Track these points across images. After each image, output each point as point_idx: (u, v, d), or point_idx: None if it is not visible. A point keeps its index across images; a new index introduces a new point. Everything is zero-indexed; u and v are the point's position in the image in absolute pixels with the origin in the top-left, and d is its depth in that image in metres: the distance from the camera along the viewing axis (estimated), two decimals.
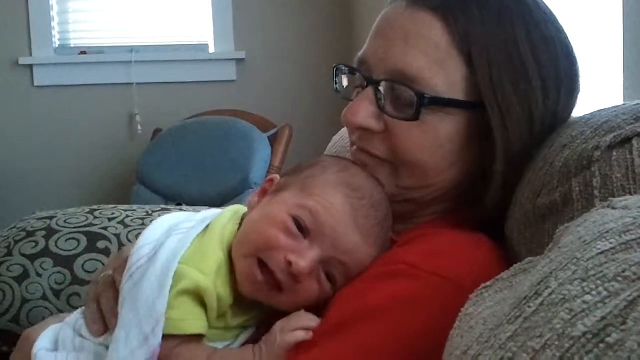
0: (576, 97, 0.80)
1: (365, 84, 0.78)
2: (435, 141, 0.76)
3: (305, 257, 0.70)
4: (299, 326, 0.68)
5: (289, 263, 0.69)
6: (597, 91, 1.38)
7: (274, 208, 0.74)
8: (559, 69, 0.77)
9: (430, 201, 0.80)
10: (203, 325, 0.70)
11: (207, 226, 0.76)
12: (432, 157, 0.76)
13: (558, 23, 0.80)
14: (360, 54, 0.80)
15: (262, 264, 0.71)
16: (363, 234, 0.72)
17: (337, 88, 0.85)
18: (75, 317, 0.77)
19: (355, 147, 0.81)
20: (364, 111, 0.77)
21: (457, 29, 0.73)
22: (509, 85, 0.74)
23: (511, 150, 0.75)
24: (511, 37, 0.74)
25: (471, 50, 0.73)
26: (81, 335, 0.74)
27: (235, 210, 0.80)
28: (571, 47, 0.79)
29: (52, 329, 0.77)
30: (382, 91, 0.76)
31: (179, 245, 0.73)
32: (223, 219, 0.77)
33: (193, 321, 0.69)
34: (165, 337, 0.68)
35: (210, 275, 0.70)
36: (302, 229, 0.71)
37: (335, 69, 0.85)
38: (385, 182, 0.79)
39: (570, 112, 0.80)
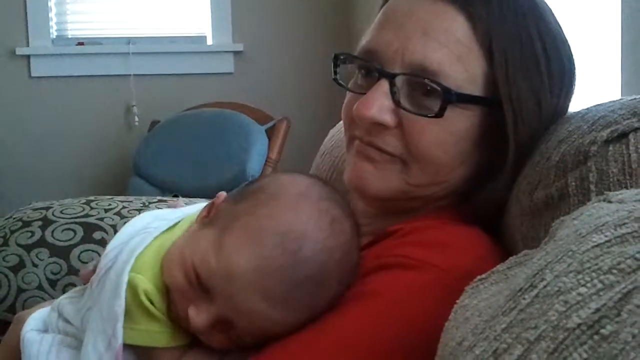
0: (573, 94, 0.81)
1: (377, 76, 0.74)
2: (451, 137, 0.74)
3: (202, 313, 0.65)
4: None
5: (187, 316, 0.66)
6: (595, 86, 1.38)
7: (190, 248, 0.68)
8: (563, 67, 0.77)
9: (437, 198, 0.79)
10: (168, 340, 0.68)
11: (176, 224, 0.74)
12: (447, 153, 0.75)
13: (558, 21, 0.80)
14: (366, 43, 0.76)
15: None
16: (272, 301, 0.64)
17: (336, 78, 0.80)
18: (59, 301, 0.77)
19: (358, 142, 0.77)
20: (378, 105, 0.73)
21: (480, 23, 0.72)
22: (522, 82, 0.73)
23: (522, 146, 0.75)
24: (526, 33, 0.74)
25: (492, 46, 0.72)
26: (65, 320, 0.74)
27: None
28: (569, 45, 0.80)
29: (41, 312, 0.77)
30: (397, 85, 0.73)
31: (136, 246, 0.70)
32: (192, 218, 0.74)
33: (158, 334, 0.68)
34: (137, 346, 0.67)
35: (159, 280, 0.68)
36: (202, 284, 0.66)
37: (335, 58, 0.81)
38: (395, 180, 0.76)
39: (567, 108, 0.81)
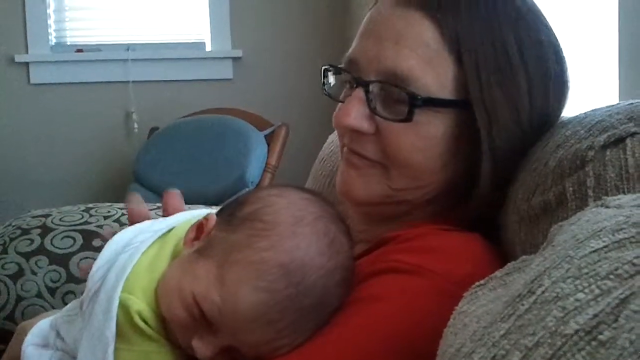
0: (566, 98, 0.80)
1: (355, 84, 0.77)
2: (427, 141, 0.75)
3: (207, 345, 0.66)
4: None
5: (192, 347, 0.66)
6: (593, 91, 1.38)
7: (187, 283, 0.67)
8: (547, 71, 0.77)
9: (424, 202, 0.80)
10: (165, 359, 0.68)
11: (164, 235, 0.73)
12: (425, 157, 0.76)
13: (548, 24, 0.80)
14: (348, 53, 0.79)
15: None
16: (276, 330, 0.65)
17: (325, 90, 0.83)
18: (57, 317, 0.76)
19: (346, 149, 0.80)
20: (355, 112, 0.75)
21: (447, 28, 0.73)
22: (496, 86, 0.74)
23: (497, 150, 0.75)
24: (499, 38, 0.74)
25: (460, 49, 0.73)
26: (62, 338, 0.74)
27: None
28: (560, 48, 0.79)
29: (41, 325, 0.76)
30: (373, 92, 0.75)
31: (126, 265, 0.68)
32: (182, 231, 0.72)
33: (155, 354, 0.67)
34: None
35: (153, 299, 0.67)
36: (206, 318, 0.66)
37: (323, 70, 0.84)
38: (378, 184, 0.78)
39: (560, 112, 0.80)
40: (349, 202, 0.82)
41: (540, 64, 0.76)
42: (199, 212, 0.77)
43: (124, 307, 0.66)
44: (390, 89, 0.74)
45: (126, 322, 0.66)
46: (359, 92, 0.76)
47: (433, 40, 0.73)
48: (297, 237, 0.66)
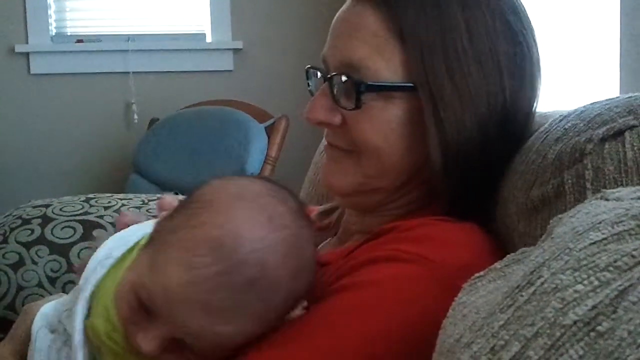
0: (530, 85, 0.80)
1: (323, 80, 0.81)
2: (384, 125, 0.77)
3: (150, 338, 0.63)
4: None
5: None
6: (594, 84, 1.38)
7: (128, 277, 0.66)
8: (497, 51, 0.76)
9: (398, 189, 0.81)
10: None
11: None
12: (386, 141, 0.77)
13: (516, 9, 0.79)
14: (322, 52, 0.83)
15: None
16: (214, 314, 0.61)
17: (310, 90, 0.88)
18: (57, 306, 0.76)
19: (326, 143, 0.84)
20: (319, 106, 0.80)
21: (394, 16, 0.76)
22: (441, 67, 0.75)
23: (448, 135, 0.75)
24: (447, 21, 0.75)
25: (403, 32, 0.75)
26: (63, 326, 0.74)
27: None
28: (522, 33, 0.78)
29: (45, 310, 0.77)
30: (337, 85, 0.79)
31: (95, 283, 0.67)
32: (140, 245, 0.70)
33: None
34: None
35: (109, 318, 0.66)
36: (143, 307, 0.64)
37: (306, 71, 0.88)
38: (353, 174, 0.80)
39: (528, 101, 0.80)
40: (333, 195, 0.86)
41: (491, 45, 0.76)
42: None
43: (92, 330, 0.66)
44: (346, 79, 0.77)
45: (101, 344, 0.66)
46: (325, 86, 0.80)
47: (382, 29, 0.76)
48: (231, 212, 0.64)
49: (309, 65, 0.88)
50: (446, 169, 0.76)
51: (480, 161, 0.77)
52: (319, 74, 0.85)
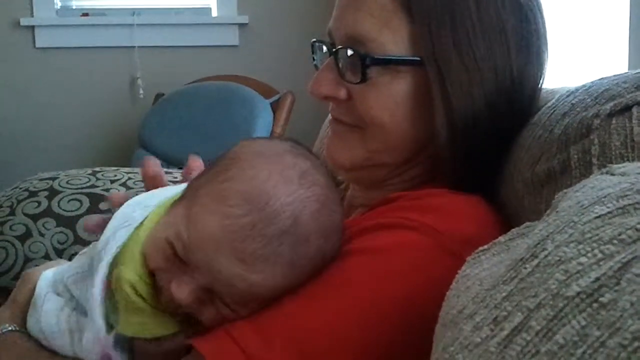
0: (537, 60, 0.79)
1: (329, 54, 0.81)
2: (390, 100, 0.77)
3: (183, 286, 0.65)
4: None
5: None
6: (603, 61, 1.37)
7: (160, 230, 0.68)
8: (505, 26, 0.76)
9: (402, 163, 0.81)
10: (155, 330, 0.68)
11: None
12: (392, 116, 0.77)
13: None
14: (328, 25, 0.82)
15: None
16: (246, 261, 0.63)
17: (315, 64, 0.87)
18: (62, 272, 0.77)
19: (331, 117, 0.84)
20: (324, 80, 0.80)
21: None
22: (448, 41, 0.74)
23: (454, 110, 0.75)
24: None
25: (410, 5, 0.75)
26: (69, 291, 0.75)
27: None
28: (530, 7, 0.78)
29: (46, 275, 0.78)
30: (342, 58, 0.78)
31: (118, 240, 0.69)
32: (167, 203, 0.72)
33: (151, 325, 0.68)
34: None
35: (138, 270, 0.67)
36: (178, 256, 0.66)
37: (312, 44, 0.87)
38: (357, 148, 0.80)
39: (535, 76, 0.79)
40: (337, 169, 0.85)
41: (497, 18, 0.75)
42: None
43: (117, 281, 0.67)
44: (352, 53, 0.77)
45: (121, 295, 0.67)
46: (330, 60, 0.80)
47: (389, 2, 0.75)
48: (259, 167, 0.66)
49: (314, 39, 0.87)
50: (452, 144, 0.76)
51: (487, 137, 0.77)
52: (324, 47, 0.84)
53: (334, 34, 0.80)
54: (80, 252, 0.83)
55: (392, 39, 0.75)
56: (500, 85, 0.76)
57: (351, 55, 0.77)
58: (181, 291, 0.65)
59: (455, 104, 0.75)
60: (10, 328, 0.76)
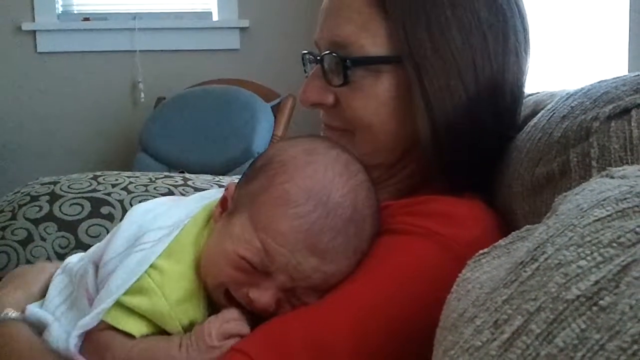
0: (515, 54, 0.79)
1: (315, 62, 0.82)
2: (375, 100, 0.78)
3: (264, 292, 0.68)
4: (233, 332, 0.67)
5: (251, 299, 0.68)
6: (602, 64, 1.37)
7: (227, 245, 0.69)
8: (480, 21, 0.76)
9: (394, 164, 0.81)
10: (141, 330, 0.69)
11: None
12: (378, 117, 0.78)
13: None
14: (314, 38, 0.84)
15: (230, 294, 0.70)
16: (320, 254, 0.67)
17: (307, 75, 0.87)
18: (52, 304, 0.77)
19: (323, 124, 0.85)
20: (313, 87, 0.81)
21: None
22: (424, 38, 0.75)
23: (434, 107, 0.75)
24: None
25: (385, 5, 0.76)
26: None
27: (210, 211, 0.76)
28: (505, 2, 0.78)
29: (31, 309, 0.78)
30: (327, 65, 0.79)
31: (134, 270, 0.69)
32: (195, 227, 0.73)
33: (132, 323, 0.69)
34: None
35: (171, 303, 0.68)
36: (256, 267, 0.68)
37: (302, 57, 0.88)
38: None
39: (515, 73, 0.79)
40: None
41: (472, 14, 0.75)
42: (211, 207, 0.77)
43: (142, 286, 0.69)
44: (335, 56, 0.78)
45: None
46: (317, 68, 0.81)
47: (364, 5, 0.77)
48: (312, 164, 0.69)
49: (304, 51, 0.88)
50: (436, 141, 0.76)
51: (471, 134, 0.77)
52: (310, 61, 0.86)
53: (319, 43, 0.82)
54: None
55: (372, 41, 0.77)
56: (480, 80, 0.76)
57: (333, 59, 0.79)
58: (264, 297, 0.68)
59: (434, 101, 0.75)
60: (11, 315, 0.76)
